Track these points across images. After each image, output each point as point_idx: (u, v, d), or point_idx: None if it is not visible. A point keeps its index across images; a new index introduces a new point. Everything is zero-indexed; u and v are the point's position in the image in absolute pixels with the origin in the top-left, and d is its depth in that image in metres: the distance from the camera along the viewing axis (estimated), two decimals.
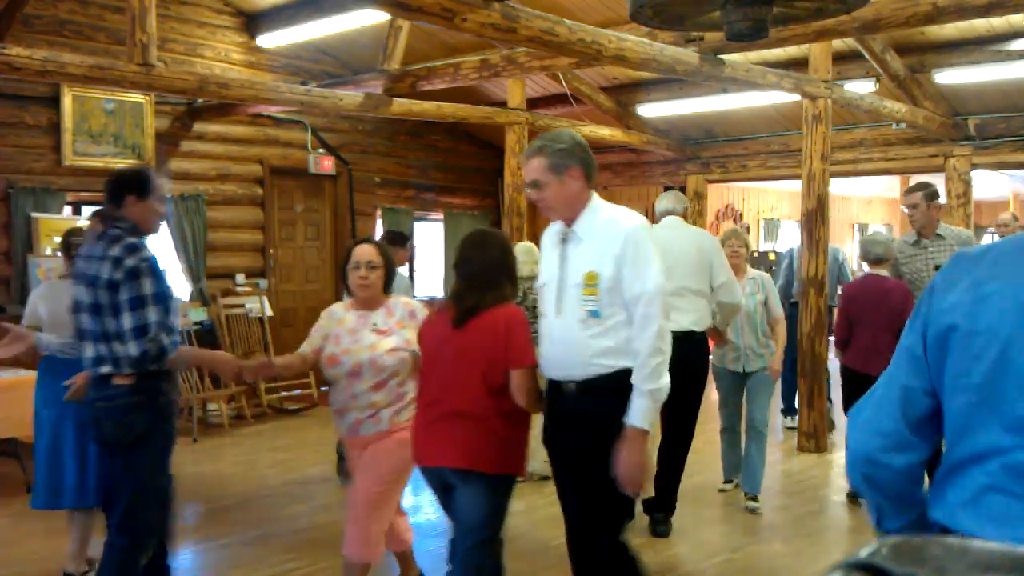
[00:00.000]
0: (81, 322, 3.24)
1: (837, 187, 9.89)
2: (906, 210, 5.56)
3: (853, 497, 5.55)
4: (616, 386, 2.81)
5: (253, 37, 8.99)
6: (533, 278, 4.72)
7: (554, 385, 2.99)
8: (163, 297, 3.16)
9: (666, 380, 2.82)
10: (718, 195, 12.72)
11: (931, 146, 8.78)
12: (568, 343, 2.89)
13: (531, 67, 6.18)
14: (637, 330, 2.80)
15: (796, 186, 9.59)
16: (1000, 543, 0.67)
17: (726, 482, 5.83)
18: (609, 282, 2.82)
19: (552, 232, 3.07)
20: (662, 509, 5.00)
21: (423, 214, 10.90)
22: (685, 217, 5.18)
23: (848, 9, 3.06)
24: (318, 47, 9.25)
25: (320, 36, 8.53)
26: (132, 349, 3.09)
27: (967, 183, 8.66)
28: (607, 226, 2.90)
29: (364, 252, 3.53)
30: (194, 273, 8.61)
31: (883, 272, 5.33)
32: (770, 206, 14.82)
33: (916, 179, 12.72)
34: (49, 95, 7.67)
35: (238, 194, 9.07)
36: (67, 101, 7.74)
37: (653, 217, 5.14)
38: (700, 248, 4.86)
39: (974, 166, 8.63)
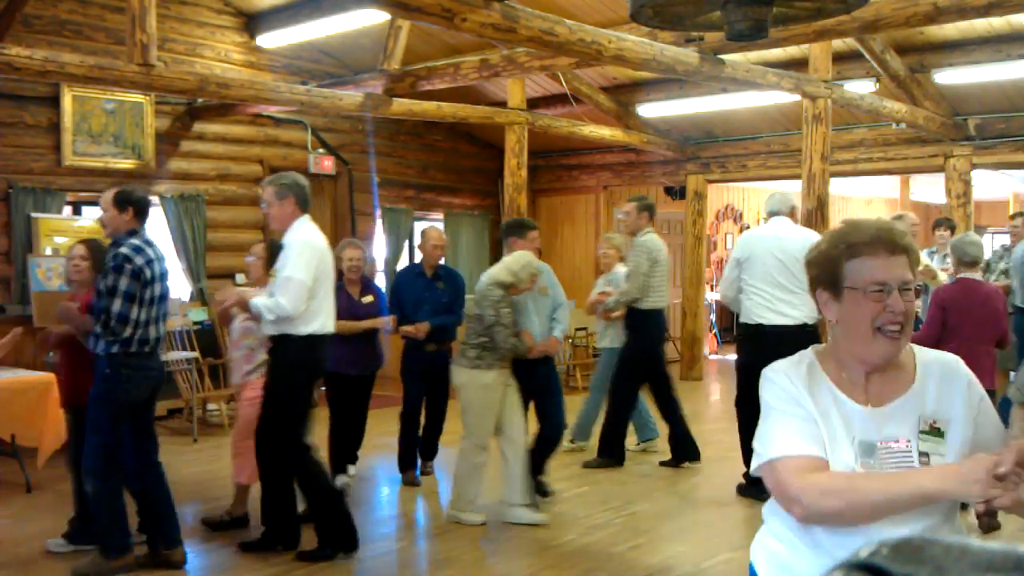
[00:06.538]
0: None
1: (837, 187, 9.88)
2: (620, 215, 6.34)
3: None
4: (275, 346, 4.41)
5: (253, 37, 8.99)
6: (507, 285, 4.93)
7: None
8: None
9: (269, 316, 4.27)
10: (718, 195, 12.72)
11: (931, 146, 8.78)
12: None
13: (531, 67, 6.18)
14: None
15: (796, 186, 9.59)
16: (1000, 544, 0.68)
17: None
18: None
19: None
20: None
21: (423, 214, 10.90)
22: (792, 216, 5.60)
23: (848, 9, 3.06)
24: (318, 47, 9.25)
25: (320, 36, 8.53)
26: None
27: (967, 183, 8.66)
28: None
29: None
30: (194, 273, 8.60)
31: (976, 275, 5.13)
32: None
33: (916, 179, 12.78)
34: (49, 95, 7.67)
35: (238, 194, 9.07)
36: (67, 101, 7.74)
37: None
38: (804, 246, 5.08)
39: (974, 166, 8.63)
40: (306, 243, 4.43)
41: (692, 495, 5.71)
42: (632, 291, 6.08)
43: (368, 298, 5.80)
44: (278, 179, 4.58)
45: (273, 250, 4.89)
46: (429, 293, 5.91)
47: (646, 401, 6.64)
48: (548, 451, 5.42)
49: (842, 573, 0.64)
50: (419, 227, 10.68)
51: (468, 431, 5.01)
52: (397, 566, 4.66)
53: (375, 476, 6.16)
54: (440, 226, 11.08)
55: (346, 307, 5.60)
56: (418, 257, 6.40)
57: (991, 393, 5.59)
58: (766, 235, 5.57)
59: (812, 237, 5.46)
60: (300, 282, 4.27)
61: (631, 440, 6.60)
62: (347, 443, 5.80)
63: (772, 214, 5.61)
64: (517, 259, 5.03)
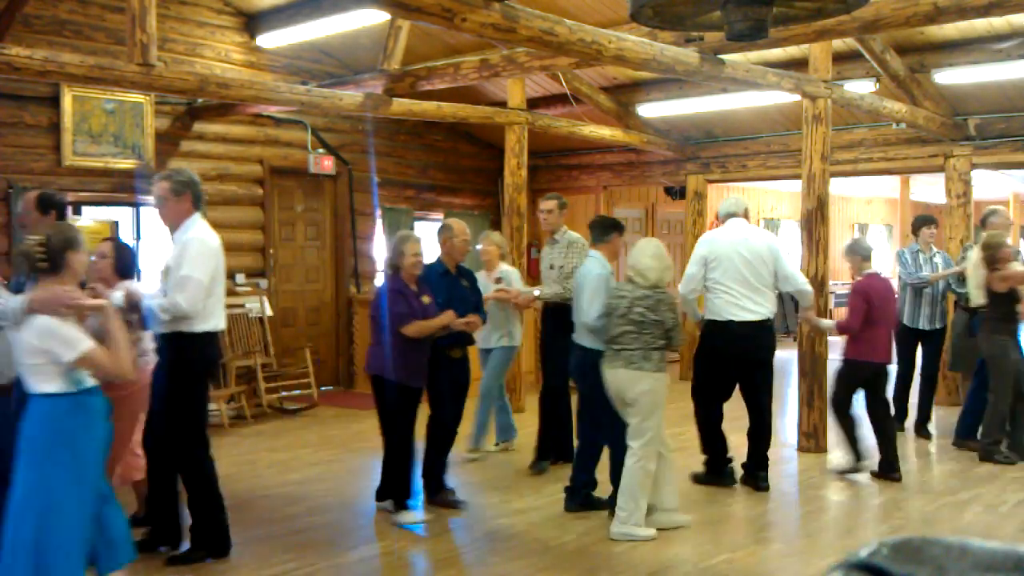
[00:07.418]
0: None
1: (837, 187, 9.87)
2: (542, 213, 6.31)
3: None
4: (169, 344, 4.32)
5: (253, 37, 8.98)
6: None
7: None
8: None
9: (164, 316, 4.21)
10: (718, 195, 12.71)
11: (931, 146, 8.78)
12: None
13: (531, 67, 6.18)
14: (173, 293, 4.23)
15: (796, 186, 9.60)
16: (1000, 544, 0.67)
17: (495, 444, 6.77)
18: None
19: None
20: (762, 468, 5.79)
21: (423, 214, 10.90)
22: (746, 217, 5.91)
23: (848, 9, 3.07)
24: (318, 47, 9.25)
25: (320, 36, 8.53)
26: None
27: (967, 183, 8.66)
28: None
29: None
30: None
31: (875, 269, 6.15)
32: (770, 206, 14.82)
33: (916, 179, 12.78)
34: (49, 95, 7.67)
35: (238, 194, 9.07)
36: (67, 101, 7.74)
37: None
38: (768, 247, 5.71)
39: (974, 166, 8.63)
40: (203, 242, 4.37)
41: (692, 495, 5.71)
42: (571, 288, 5.83)
43: (426, 298, 5.20)
44: (175, 175, 4.47)
45: (120, 251, 4.79)
46: (458, 292, 5.48)
47: (509, 401, 6.87)
48: None
49: (842, 573, 0.64)
50: (419, 227, 10.72)
51: (649, 435, 4.74)
52: (397, 566, 4.66)
53: (375, 476, 6.15)
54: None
55: (419, 309, 5.07)
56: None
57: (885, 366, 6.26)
58: (733, 237, 5.71)
59: (772, 238, 6.08)
60: (198, 281, 4.23)
61: (490, 440, 6.75)
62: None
63: (729, 216, 5.82)
64: (656, 255, 4.86)
